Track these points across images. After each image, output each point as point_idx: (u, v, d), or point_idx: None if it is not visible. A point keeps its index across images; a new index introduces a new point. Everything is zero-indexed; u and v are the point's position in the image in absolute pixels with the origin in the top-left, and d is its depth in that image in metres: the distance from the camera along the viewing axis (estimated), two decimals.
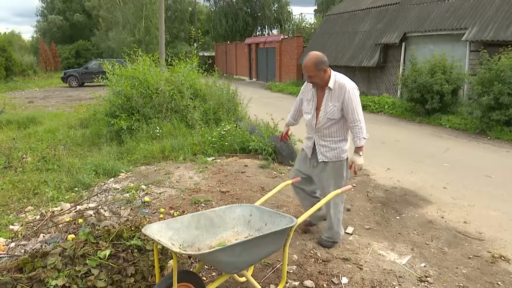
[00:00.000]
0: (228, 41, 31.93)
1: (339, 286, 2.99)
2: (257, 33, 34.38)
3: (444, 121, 10.04)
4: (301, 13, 58.32)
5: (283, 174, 5.95)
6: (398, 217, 4.50)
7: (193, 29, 16.60)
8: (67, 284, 2.62)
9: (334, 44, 17.75)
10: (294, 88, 18.43)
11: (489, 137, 8.63)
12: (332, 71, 3.30)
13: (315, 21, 30.95)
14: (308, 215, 2.84)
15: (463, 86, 10.65)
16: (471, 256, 3.55)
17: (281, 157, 6.50)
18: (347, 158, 3.47)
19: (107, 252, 2.83)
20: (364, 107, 12.77)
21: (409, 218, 4.46)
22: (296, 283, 2.98)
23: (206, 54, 33.95)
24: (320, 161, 3.42)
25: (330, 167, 3.42)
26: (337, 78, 3.26)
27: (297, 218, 2.63)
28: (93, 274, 2.71)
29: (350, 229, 4.10)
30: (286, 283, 2.94)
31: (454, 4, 12.31)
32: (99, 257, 2.80)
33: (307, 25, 30.35)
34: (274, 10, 33.33)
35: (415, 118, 10.94)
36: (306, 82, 3.44)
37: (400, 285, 3.04)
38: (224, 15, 32.75)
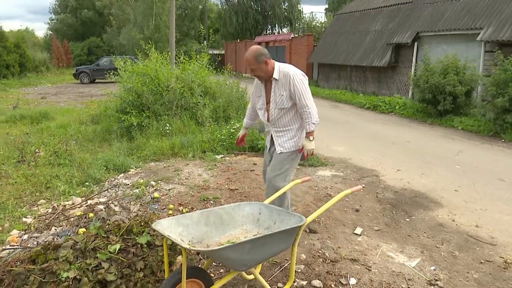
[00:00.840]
0: (238, 40, 31.95)
1: (347, 287, 2.98)
2: (267, 31, 34.34)
3: (456, 123, 9.93)
4: (312, 12, 58.23)
5: None
6: (407, 219, 4.46)
7: (203, 27, 16.58)
8: (78, 277, 2.66)
9: (345, 44, 17.67)
10: None
11: (503, 140, 8.51)
12: (276, 62, 3.30)
13: (325, 20, 30.83)
14: (317, 215, 2.84)
15: (477, 87, 10.51)
16: (482, 261, 3.50)
17: None
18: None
19: (117, 246, 2.86)
20: (375, 108, 12.71)
21: (419, 220, 4.42)
22: (304, 283, 2.98)
23: (215, 52, 34.01)
24: (278, 152, 3.44)
25: (285, 155, 3.44)
26: (281, 68, 3.27)
27: (306, 217, 2.63)
28: (103, 268, 2.74)
29: (358, 230, 4.08)
30: (294, 282, 2.94)
31: (469, 3, 12.15)
32: (109, 251, 2.83)
33: (317, 24, 30.22)
34: (285, 8, 33.27)
35: (427, 119, 10.83)
36: (255, 80, 3.47)
37: (409, 287, 3.02)
38: (234, 13, 32.77)
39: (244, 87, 9.16)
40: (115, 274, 2.75)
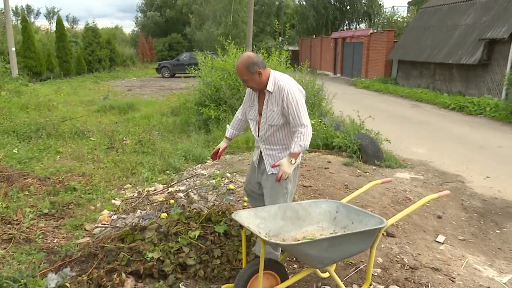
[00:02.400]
0: (314, 35, 31.55)
1: None
2: (344, 27, 33.47)
3: None
4: (393, 6, 55.35)
5: (367, 173, 5.76)
6: (498, 231, 4.10)
7: (278, 23, 16.57)
8: (161, 258, 2.83)
9: (430, 39, 16.60)
10: (381, 85, 17.65)
11: None
12: (272, 72, 2.83)
13: (408, 14, 29.23)
14: (398, 218, 2.71)
15: None
16: None
17: (366, 155, 6.29)
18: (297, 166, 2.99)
19: (197, 232, 3.00)
20: (462, 108, 11.82)
21: None
22: (381, 287, 2.88)
23: (290, 48, 33.99)
24: (269, 173, 2.93)
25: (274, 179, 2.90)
26: (277, 79, 2.79)
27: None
28: (184, 252, 2.90)
29: (441, 238, 3.84)
30: (370, 285, 2.85)
31: None
32: (190, 237, 2.98)
33: (399, 19, 28.76)
34: (364, 3, 32.11)
35: None
36: (248, 89, 3.05)
37: None
38: (313, 8, 32.36)
39: (321, 83, 9.03)
40: (194, 259, 2.89)
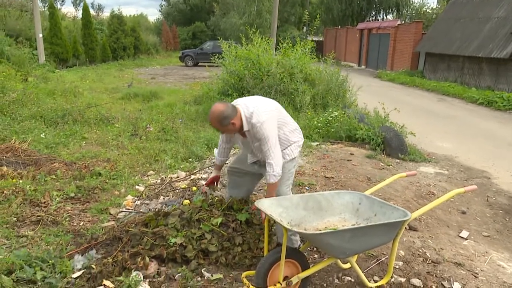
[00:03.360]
0: (339, 26, 31.05)
1: None
2: (370, 18, 32.78)
3: None
4: None
5: (391, 166, 5.68)
6: None
7: (307, 13, 16.29)
8: (184, 244, 2.89)
9: (460, 32, 16.10)
10: (406, 78, 17.28)
11: None
12: (240, 108, 2.78)
13: (438, 5, 28.39)
14: (423, 211, 2.68)
15: None
16: None
17: (390, 148, 6.20)
18: (292, 158, 3.02)
19: (219, 220, 3.03)
20: (490, 103, 11.48)
21: None
22: (403, 280, 2.85)
23: (315, 39, 33.54)
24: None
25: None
26: (247, 114, 2.77)
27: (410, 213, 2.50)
28: (206, 238, 2.94)
29: (465, 233, 3.77)
30: (392, 277, 2.83)
31: None
32: (212, 224, 3.02)
33: (428, 10, 27.99)
34: None
35: None
36: None
37: None
38: None
39: (345, 74, 8.92)
40: (216, 245, 2.93)
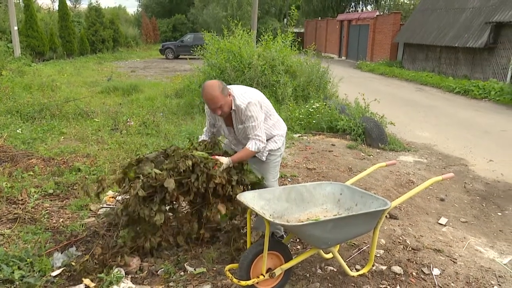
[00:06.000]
0: (320, 17, 31.11)
1: (430, 277, 2.85)
2: (350, 9, 32.96)
3: None
4: None
5: (371, 156, 5.76)
6: (499, 213, 4.11)
7: (293, 8, 16.27)
8: (164, 177, 2.64)
9: (436, 22, 16.34)
10: (386, 68, 17.48)
11: None
12: (230, 89, 2.82)
13: None
14: (402, 200, 2.72)
15: None
16: None
17: (370, 139, 6.28)
18: (277, 149, 3.01)
19: (202, 153, 2.82)
20: (466, 92, 11.73)
21: None
22: (384, 267, 2.91)
23: (295, 30, 33.54)
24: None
25: (268, 165, 3.00)
26: (237, 96, 2.80)
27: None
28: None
29: (443, 220, 3.86)
30: (373, 266, 2.88)
31: None
32: (193, 155, 2.75)
33: (405, 1, 28.31)
34: None
35: None
36: (206, 109, 3.00)
37: (499, 285, 2.81)
38: None
39: (326, 66, 8.95)
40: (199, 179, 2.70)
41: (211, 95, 2.68)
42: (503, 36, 12.83)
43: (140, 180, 2.66)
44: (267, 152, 2.97)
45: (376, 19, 21.42)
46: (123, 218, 2.81)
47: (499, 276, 2.91)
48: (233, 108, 2.80)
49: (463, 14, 15.03)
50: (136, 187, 2.61)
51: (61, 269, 2.68)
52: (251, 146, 2.78)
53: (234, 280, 2.39)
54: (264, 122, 2.90)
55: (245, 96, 2.81)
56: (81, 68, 17.36)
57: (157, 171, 2.67)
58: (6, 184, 4.08)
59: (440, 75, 15.13)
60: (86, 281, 2.55)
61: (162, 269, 2.75)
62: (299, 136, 6.59)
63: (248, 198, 2.56)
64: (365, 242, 3.25)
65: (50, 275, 2.62)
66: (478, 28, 13.60)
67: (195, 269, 2.77)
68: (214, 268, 2.81)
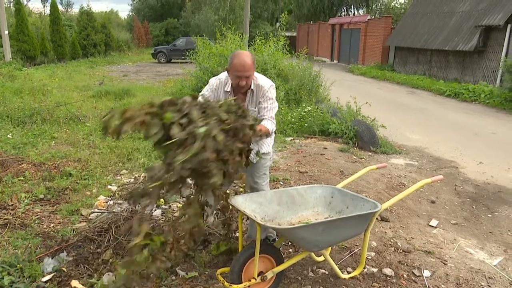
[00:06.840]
0: (312, 21, 31.30)
1: (421, 279, 2.87)
2: (342, 13, 33.21)
3: None
4: None
5: (363, 159, 5.79)
6: (489, 215, 4.16)
7: (285, 14, 16.37)
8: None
9: (427, 26, 16.53)
10: (378, 72, 17.62)
11: None
12: None
13: (406, 0, 29.04)
14: (392, 202, 2.75)
15: None
16: None
17: (362, 142, 6.32)
18: (268, 152, 2.97)
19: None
20: (457, 95, 11.86)
21: (503, 217, 4.10)
22: (375, 270, 2.92)
23: (288, 34, 33.67)
24: (254, 162, 2.90)
25: (265, 161, 2.96)
26: (257, 77, 2.79)
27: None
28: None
29: (434, 222, 3.89)
30: (364, 268, 2.90)
31: None
32: None
33: (396, 5, 28.60)
34: None
35: None
36: (214, 83, 2.85)
37: (489, 286, 2.84)
38: None
39: (318, 69, 9.00)
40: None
41: (245, 61, 2.59)
42: (492, 39, 13.01)
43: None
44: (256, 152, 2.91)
45: (368, 23, 21.61)
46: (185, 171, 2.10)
47: (489, 277, 2.94)
48: (251, 87, 2.75)
49: (453, 18, 15.22)
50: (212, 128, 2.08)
51: (51, 275, 2.66)
52: (269, 126, 2.71)
53: (226, 284, 2.39)
54: None
55: (266, 79, 2.83)
56: (73, 72, 17.26)
57: (224, 114, 2.20)
58: None
59: (431, 78, 15.28)
60: (78, 286, 2.53)
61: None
62: (291, 140, 6.61)
63: (239, 201, 2.56)
64: (356, 245, 3.27)
65: (41, 281, 2.60)
66: (468, 32, 13.78)
67: (187, 273, 2.76)
68: (206, 272, 2.81)
